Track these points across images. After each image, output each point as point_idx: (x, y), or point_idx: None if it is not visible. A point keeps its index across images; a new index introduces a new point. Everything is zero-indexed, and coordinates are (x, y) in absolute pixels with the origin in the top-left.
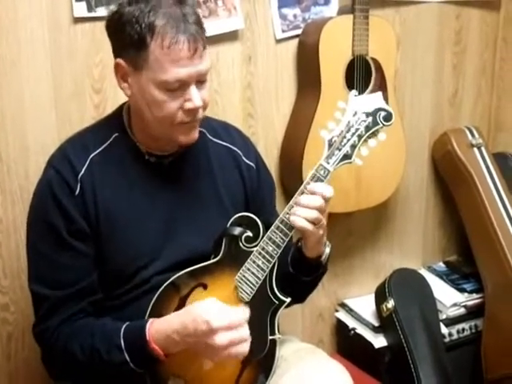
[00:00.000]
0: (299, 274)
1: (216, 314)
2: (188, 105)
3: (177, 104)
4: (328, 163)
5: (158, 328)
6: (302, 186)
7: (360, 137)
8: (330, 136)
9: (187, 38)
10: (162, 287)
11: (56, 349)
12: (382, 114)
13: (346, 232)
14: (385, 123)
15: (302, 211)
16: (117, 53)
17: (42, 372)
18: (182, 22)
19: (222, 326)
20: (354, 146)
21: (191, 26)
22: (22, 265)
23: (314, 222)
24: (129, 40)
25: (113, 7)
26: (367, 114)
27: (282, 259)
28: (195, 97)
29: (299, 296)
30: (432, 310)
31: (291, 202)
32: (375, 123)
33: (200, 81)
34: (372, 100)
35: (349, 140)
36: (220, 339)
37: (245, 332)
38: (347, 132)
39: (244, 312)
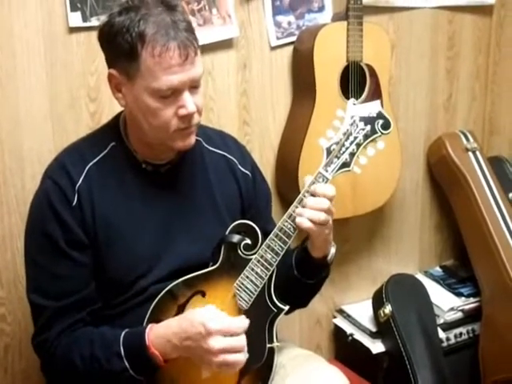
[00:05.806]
0: (304, 277)
1: (213, 317)
2: (182, 111)
3: (171, 111)
4: (326, 171)
5: (157, 333)
6: (300, 194)
7: (359, 145)
8: (329, 144)
9: (178, 45)
10: (160, 295)
11: (56, 359)
12: (381, 122)
13: (342, 238)
14: (383, 131)
15: (309, 213)
16: (109, 63)
17: (40, 383)
18: (172, 30)
19: (217, 329)
20: (352, 154)
21: (181, 32)
22: (19, 275)
23: (321, 224)
24: (120, 50)
25: (104, 18)
26: (366, 123)
27: (283, 265)
28: (189, 103)
29: (302, 300)
30: (429, 315)
31: (290, 210)
32: (374, 131)
33: (193, 86)
34: (370, 108)
35: (347, 148)
36: (215, 343)
37: (241, 341)
38: (346, 140)
39: (242, 321)
